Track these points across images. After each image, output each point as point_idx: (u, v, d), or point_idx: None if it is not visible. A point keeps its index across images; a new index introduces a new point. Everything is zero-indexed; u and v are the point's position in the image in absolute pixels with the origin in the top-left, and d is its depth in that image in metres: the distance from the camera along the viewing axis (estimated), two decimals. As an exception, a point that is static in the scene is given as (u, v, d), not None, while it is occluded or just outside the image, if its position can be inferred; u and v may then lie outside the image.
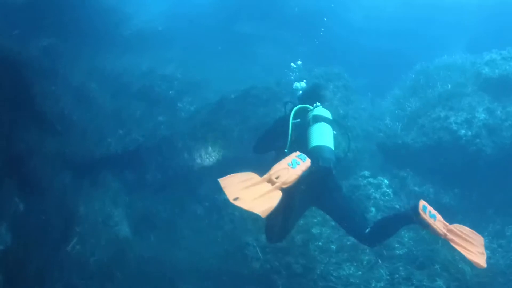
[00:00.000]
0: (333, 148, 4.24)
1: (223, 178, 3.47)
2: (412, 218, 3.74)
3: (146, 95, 10.55)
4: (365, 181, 7.91)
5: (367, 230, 4.02)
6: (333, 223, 6.33)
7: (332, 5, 14.29)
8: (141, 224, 7.84)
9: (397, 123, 9.07)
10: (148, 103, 10.28)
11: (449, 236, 3.65)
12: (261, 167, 3.55)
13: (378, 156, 8.93)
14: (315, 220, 6.97)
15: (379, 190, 7.68)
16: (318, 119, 4.33)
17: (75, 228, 7.09)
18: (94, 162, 8.35)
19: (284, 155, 3.80)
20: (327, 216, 4.56)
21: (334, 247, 6.55)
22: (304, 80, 5.59)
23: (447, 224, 3.72)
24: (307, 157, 3.71)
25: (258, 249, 6.35)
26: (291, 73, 8.86)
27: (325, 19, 12.68)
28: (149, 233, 7.76)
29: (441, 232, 3.61)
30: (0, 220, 6.22)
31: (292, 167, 3.49)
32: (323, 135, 4.23)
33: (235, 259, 6.50)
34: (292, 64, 8.67)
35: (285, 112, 4.76)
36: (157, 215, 8.04)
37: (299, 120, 4.47)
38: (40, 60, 8.52)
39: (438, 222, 3.65)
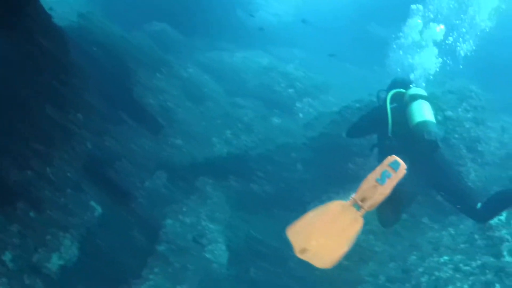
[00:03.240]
0: (435, 122, 4.27)
1: (292, 226, 3.45)
2: None
3: (263, 93, 9.34)
4: (496, 220, 6.75)
5: (478, 205, 4.16)
6: None
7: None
8: (243, 252, 6.10)
9: None
10: (264, 102, 8.96)
11: None
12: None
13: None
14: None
15: (512, 230, 7.47)
16: (416, 97, 4.45)
17: (156, 247, 5.61)
18: (193, 165, 6.94)
19: (387, 140, 4.29)
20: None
21: None
22: None
23: None
24: (401, 164, 3.56)
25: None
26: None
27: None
28: (249, 265, 5.88)
29: None
30: (66, 228, 5.06)
31: (381, 184, 3.49)
32: (424, 111, 4.29)
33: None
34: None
35: (378, 102, 5.12)
36: (262, 242, 6.15)
37: (395, 104, 4.60)
38: (145, 46, 7.50)
39: None
